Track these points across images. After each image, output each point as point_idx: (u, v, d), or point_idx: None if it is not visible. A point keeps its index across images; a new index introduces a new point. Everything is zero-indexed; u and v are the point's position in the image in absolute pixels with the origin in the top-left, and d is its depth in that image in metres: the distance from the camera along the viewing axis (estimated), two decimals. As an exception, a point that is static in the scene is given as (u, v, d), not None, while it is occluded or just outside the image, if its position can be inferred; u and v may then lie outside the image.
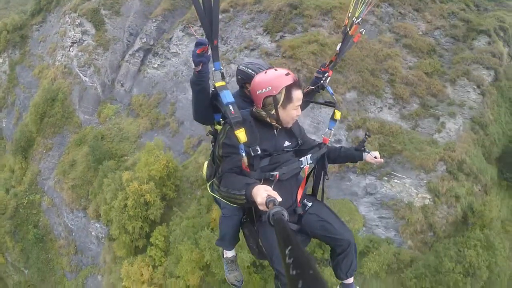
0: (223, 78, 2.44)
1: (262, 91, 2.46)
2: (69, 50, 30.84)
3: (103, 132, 24.99)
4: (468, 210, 15.01)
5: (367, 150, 3.10)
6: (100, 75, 28.08)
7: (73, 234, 25.05)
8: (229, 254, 3.46)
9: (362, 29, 3.33)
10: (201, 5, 2.19)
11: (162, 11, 25.87)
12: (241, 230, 3.06)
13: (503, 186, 18.46)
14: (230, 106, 2.35)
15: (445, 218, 14.64)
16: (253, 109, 2.61)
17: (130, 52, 26.97)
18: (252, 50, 18.52)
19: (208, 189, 2.96)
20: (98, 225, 23.12)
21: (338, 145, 2.86)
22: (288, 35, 18.39)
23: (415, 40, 18.58)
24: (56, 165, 26.49)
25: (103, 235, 22.88)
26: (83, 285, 23.86)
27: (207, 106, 2.68)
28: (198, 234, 15.25)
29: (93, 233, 23.65)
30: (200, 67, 2.44)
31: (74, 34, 30.93)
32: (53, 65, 32.00)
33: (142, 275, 16.33)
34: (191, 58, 2.45)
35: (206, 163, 3.12)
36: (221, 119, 2.76)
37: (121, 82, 27.16)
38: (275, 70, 2.54)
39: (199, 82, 2.53)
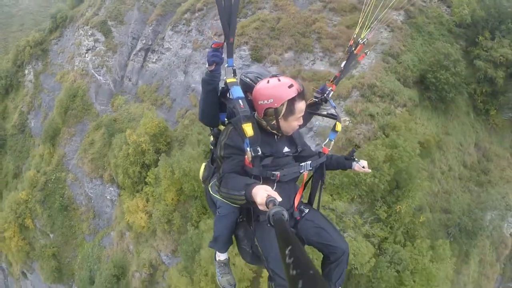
0: (234, 75, 2.56)
1: (264, 102, 2.50)
2: (85, 56, 37.67)
3: (116, 117, 31.41)
4: (386, 126, 17.57)
5: (356, 159, 3.25)
6: (111, 74, 34.78)
7: (92, 201, 31.13)
8: (222, 257, 3.40)
9: (367, 50, 3.54)
10: (222, 4, 2.32)
11: (156, 17, 32.50)
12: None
13: (427, 107, 20.90)
14: (240, 101, 2.45)
15: (362, 134, 17.66)
16: (255, 115, 2.67)
17: (133, 52, 33.63)
18: (220, 35, 24.58)
19: (210, 190, 3.00)
20: (112, 189, 29.12)
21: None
22: (242, 19, 24.17)
23: (339, 3, 22.98)
24: (78, 147, 33.07)
25: (115, 197, 28.94)
26: (99, 244, 29.28)
27: (215, 106, 2.77)
28: (175, 163, 20.77)
29: (108, 197, 29.71)
30: (214, 67, 2.56)
31: (88, 42, 37.80)
32: (72, 70, 38.82)
33: (138, 206, 22.30)
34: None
35: (203, 164, 3.23)
36: (226, 119, 2.88)
37: (129, 77, 33.75)
38: (278, 80, 2.54)
39: (211, 81, 2.63)
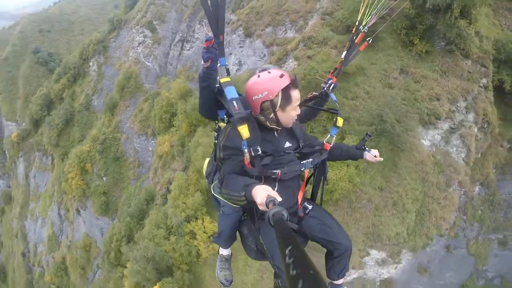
0: (228, 74, 2.59)
1: (258, 96, 2.54)
2: (137, 49, 49.80)
3: (159, 91, 42.98)
4: (320, 61, 21.50)
5: (367, 149, 3.31)
6: (157, 60, 46.53)
7: (138, 153, 41.99)
8: (224, 252, 3.57)
9: (369, 39, 3.53)
10: (208, 2, 2.37)
11: (188, 15, 43.64)
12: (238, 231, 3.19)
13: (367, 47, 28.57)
14: (234, 102, 2.49)
15: (302, 72, 20.85)
16: (252, 114, 2.72)
17: (173, 43, 45.10)
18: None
19: (212, 191, 3.08)
20: (153, 141, 39.89)
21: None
22: (240, 9, 34.23)
23: None
24: (131, 115, 44.90)
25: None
26: (140, 186, 36.91)
27: (211, 103, 2.82)
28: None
29: (150, 149, 40.46)
30: (209, 63, 2.63)
31: (139, 38, 49.96)
32: (127, 60, 51.15)
33: (165, 139, 31.99)
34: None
35: (207, 160, 3.35)
36: (225, 116, 2.93)
37: (170, 63, 45.24)
38: (268, 73, 2.60)
39: (206, 78, 2.70)
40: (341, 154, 3.31)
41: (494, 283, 22.32)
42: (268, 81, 2.54)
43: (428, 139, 19.84)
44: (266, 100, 2.54)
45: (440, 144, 19.62)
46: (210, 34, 2.56)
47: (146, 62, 47.34)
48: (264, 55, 28.78)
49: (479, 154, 21.22)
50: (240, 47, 30.70)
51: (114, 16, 60.07)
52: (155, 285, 19.87)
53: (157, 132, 36.05)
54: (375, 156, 3.27)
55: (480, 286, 22.31)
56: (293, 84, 2.58)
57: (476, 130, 19.76)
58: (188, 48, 42.33)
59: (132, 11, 57.54)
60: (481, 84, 19.80)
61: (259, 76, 2.61)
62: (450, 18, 18.94)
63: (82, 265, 42.81)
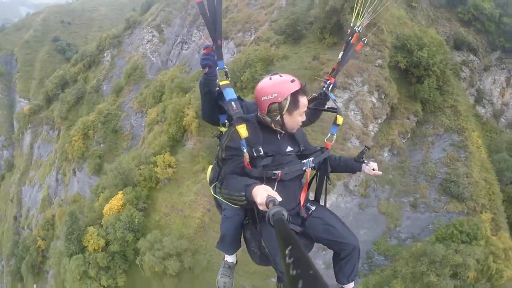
0: (227, 77, 2.69)
1: (267, 97, 2.64)
2: (145, 46, 60.78)
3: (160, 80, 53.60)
4: (255, 57, 33.33)
5: (366, 161, 3.29)
6: (161, 57, 57.49)
7: (133, 128, 51.62)
8: (229, 259, 3.56)
9: (364, 38, 3.68)
10: (206, 7, 2.49)
11: (189, 22, 54.76)
12: (242, 236, 3.21)
13: (289, 43, 33.27)
14: (232, 103, 2.58)
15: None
16: (258, 114, 2.81)
17: (175, 44, 56.11)
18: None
19: (212, 191, 3.07)
20: (148, 121, 50.36)
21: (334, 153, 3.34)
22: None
23: (267, 3, 42.42)
24: (133, 97, 55.32)
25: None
26: (128, 155, 42.07)
27: (213, 108, 2.92)
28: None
29: (143, 125, 50.58)
30: (207, 70, 2.72)
31: (148, 37, 61.06)
32: (136, 54, 62.14)
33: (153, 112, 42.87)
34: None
35: (210, 167, 3.32)
36: (226, 121, 2.99)
37: (171, 59, 56.04)
38: (280, 76, 2.70)
39: (206, 84, 2.80)
40: (339, 165, 3.31)
41: (406, 244, 23.95)
42: (279, 84, 2.65)
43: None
44: (275, 102, 2.64)
45: (341, 110, 29.29)
46: (208, 41, 2.74)
47: (151, 57, 58.26)
48: (234, 53, 39.41)
49: (380, 120, 27.21)
50: (219, 48, 41.68)
51: (130, 17, 71.69)
52: (121, 191, 29.42)
53: (149, 106, 46.28)
54: (373, 169, 3.25)
55: (392, 245, 24.18)
56: (303, 90, 2.68)
57: (372, 99, 27.65)
58: (186, 49, 53.39)
59: (146, 14, 69.18)
60: (377, 64, 28.41)
61: (270, 78, 2.72)
62: (345, 15, 27.72)
63: (69, 216, 51.22)
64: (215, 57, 2.68)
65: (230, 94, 2.62)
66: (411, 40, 28.04)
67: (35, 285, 49.19)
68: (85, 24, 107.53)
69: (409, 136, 29.21)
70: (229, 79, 2.73)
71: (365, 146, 3.31)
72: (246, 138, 2.51)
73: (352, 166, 3.31)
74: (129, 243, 26.58)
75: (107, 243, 27.04)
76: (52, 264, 36.24)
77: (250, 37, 39.89)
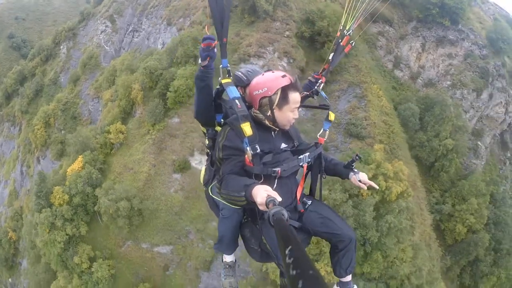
0: (229, 75, 2.77)
1: (258, 92, 2.74)
2: (99, 36, 64.91)
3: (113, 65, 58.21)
4: None
5: (355, 170, 3.32)
6: (114, 45, 61.98)
7: (91, 113, 55.95)
8: (228, 258, 3.63)
9: (352, 41, 3.76)
10: (215, 4, 2.53)
11: (139, 12, 59.53)
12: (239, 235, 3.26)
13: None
14: (237, 101, 2.60)
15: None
16: (251, 111, 2.86)
17: (127, 33, 60.77)
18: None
19: (210, 192, 3.16)
20: (103, 102, 54.98)
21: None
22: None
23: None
24: (89, 85, 59.76)
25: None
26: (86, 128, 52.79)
27: (209, 105, 2.91)
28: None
29: (100, 109, 55.29)
30: (207, 62, 2.73)
31: (102, 27, 65.13)
32: (91, 44, 66.21)
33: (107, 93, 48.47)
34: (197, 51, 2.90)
35: (203, 168, 3.40)
36: (222, 120, 3.02)
37: (123, 47, 60.65)
38: (272, 72, 2.83)
39: (204, 78, 2.80)
40: (328, 167, 3.32)
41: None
42: (270, 79, 2.74)
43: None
44: (265, 96, 2.71)
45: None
46: (207, 32, 2.71)
47: (105, 47, 62.66)
48: (176, 35, 44.92)
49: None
50: (164, 32, 47.08)
51: (84, 9, 75.31)
52: (80, 155, 34.79)
53: (104, 90, 51.30)
54: (359, 181, 3.22)
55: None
56: (293, 86, 2.74)
57: (283, 63, 34.27)
58: (137, 36, 58.38)
59: (99, 6, 72.84)
60: (285, 35, 35.31)
61: (263, 74, 2.83)
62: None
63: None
64: (221, 52, 2.75)
65: (233, 92, 2.67)
66: (313, 13, 34.87)
67: (10, 279, 51.79)
68: (39, 19, 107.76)
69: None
70: (231, 77, 2.84)
71: (356, 155, 3.35)
72: (249, 136, 2.53)
73: (340, 172, 3.35)
74: (89, 197, 32.14)
75: (71, 198, 32.32)
76: (24, 235, 41.02)
77: (189, 22, 45.52)
